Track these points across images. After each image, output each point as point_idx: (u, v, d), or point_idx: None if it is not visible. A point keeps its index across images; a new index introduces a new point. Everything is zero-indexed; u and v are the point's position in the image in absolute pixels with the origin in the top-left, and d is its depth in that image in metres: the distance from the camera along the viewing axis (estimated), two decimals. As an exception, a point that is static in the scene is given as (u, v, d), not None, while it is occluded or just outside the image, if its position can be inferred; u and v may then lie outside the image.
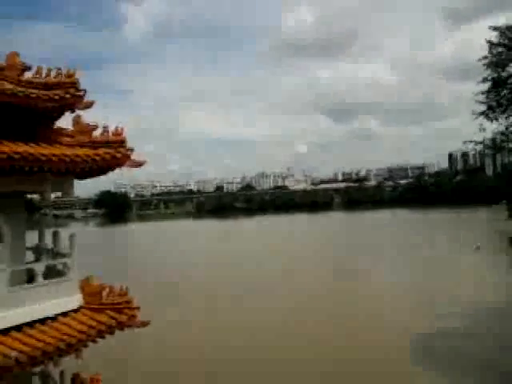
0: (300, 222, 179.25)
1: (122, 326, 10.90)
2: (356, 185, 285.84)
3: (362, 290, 53.79)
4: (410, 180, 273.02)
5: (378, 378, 28.36)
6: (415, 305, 44.92)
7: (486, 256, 70.38)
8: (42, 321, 10.08)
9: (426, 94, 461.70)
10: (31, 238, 12.32)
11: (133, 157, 11.48)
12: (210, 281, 62.69)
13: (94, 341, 10.35)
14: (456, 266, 65.70)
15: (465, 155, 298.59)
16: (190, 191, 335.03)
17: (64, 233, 12.49)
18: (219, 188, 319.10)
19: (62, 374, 12.72)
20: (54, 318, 10.29)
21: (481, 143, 41.29)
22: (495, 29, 33.88)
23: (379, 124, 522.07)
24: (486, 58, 34.18)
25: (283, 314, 44.18)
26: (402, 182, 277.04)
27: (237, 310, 45.97)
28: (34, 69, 10.49)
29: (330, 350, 32.97)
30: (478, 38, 43.09)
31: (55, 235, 12.48)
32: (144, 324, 11.29)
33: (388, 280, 59.37)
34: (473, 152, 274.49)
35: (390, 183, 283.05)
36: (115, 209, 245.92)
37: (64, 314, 10.52)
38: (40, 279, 10.62)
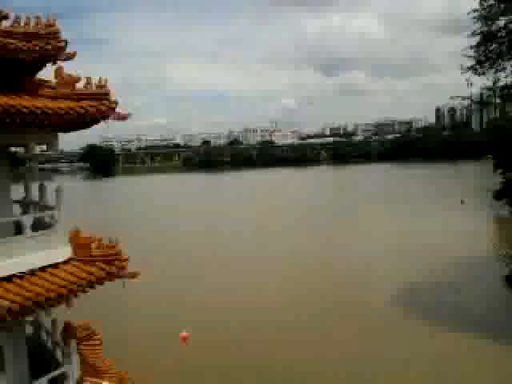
0: (287, 175, 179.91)
1: (111, 276, 11.09)
2: (343, 139, 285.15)
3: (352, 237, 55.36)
4: (398, 135, 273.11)
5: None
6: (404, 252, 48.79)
7: (473, 210, 71.97)
8: (32, 272, 10.23)
9: (414, 48, 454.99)
10: (17, 191, 12.31)
11: (117, 110, 11.35)
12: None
13: (84, 291, 10.52)
14: (443, 218, 67.49)
15: (452, 110, 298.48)
16: (177, 145, 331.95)
17: (50, 186, 12.48)
18: (206, 142, 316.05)
19: (53, 322, 13.04)
20: (43, 269, 10.44)
21: (468, 98, 41.37)
22: (486, -19, 33.15)
23: (367, 79, 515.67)
24: (476, 11, 33.65)
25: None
26: (389, 136, 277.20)
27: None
28: (12, 17, 10.12)
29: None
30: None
31: (41, 188, 12.48)
32: (133, 275, 11.49)
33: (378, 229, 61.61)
34: (460, 107, 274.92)
35: (378, 138, 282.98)
36: (101, 163, 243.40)
37: (54, 266, 10.67)
38: (28, 231, 10.67)
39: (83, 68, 11.81)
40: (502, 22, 33.37)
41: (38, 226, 11.35)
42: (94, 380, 12.08)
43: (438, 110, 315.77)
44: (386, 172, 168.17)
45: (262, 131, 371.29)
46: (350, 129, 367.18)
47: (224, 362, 25.99)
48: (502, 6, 32.76)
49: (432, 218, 67.83)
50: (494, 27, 33.58)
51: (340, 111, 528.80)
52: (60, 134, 11.67)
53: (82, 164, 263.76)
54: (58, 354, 12.66)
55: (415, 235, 56.60)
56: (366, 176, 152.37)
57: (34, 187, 13.00)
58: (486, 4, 33.35)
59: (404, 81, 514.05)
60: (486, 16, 33.28)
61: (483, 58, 34.13)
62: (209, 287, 39.63)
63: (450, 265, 42.66)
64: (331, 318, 32.36)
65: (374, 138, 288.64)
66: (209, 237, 61.16)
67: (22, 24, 10.10)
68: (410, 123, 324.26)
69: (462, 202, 79.68)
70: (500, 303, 33.44)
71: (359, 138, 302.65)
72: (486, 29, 33.64)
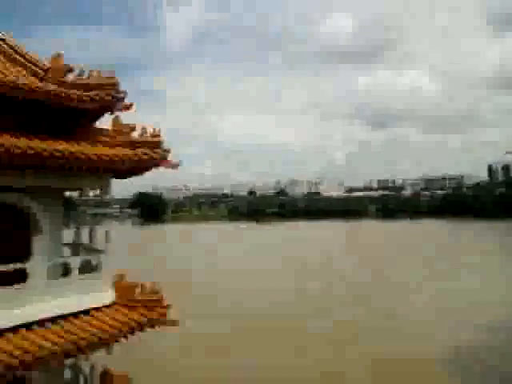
0: (335, 228, 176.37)
1: (152, 323, 11.11)
2: (391, 193, 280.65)
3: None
4: (448, 191, 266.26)
5: None
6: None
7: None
8: (76, 314, 10.39)
9: (465, 104, 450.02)
10: (68, 235, 12.70)
11: (169, 158, 11.76)
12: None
13: (124, 336, 10.59)
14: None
15: (506, 167, 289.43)
16: (224, 195, 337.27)
17: (100, 230, 12.85)
18: (252, 192, 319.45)
19: (92, 368, 13.06)
20: (87, 312, 10.59)
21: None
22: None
23: (417, 133, 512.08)
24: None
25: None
26: (440, 192, 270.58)
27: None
28: (77, 70, 10.86)
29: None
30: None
31: (91, 232, 12.88)
32: (174, 323, 11.46)
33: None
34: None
35: (427, 193, 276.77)
36: (150, 209, 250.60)
37: (97, 309, 10.82)
38: (75, 273, 10.98)
39: (138, 118, 12.40)
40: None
41: (86, 268, 11.61)
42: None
43: (490, 166, 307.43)
44: (439, 227, 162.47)
45: (308, 183, 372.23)
46: (398, 183, 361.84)
47: None
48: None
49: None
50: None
51: (388, 165, 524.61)
52: (113, 180, 12.15)
53: (130, 211, 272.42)
54: None
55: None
56: (420, 233, 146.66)
57: (84, 231, 13.45)
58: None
59: (455, 136, 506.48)
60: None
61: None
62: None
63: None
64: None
65: (423, 192, 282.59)
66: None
67: (85, 76, 10.82)
68: (460, 179, 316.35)
69: None
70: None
71: (408, 192, 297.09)
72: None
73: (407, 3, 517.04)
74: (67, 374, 13.71)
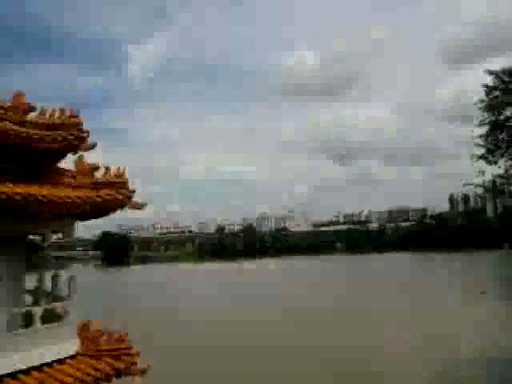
0: (301, 266, 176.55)
1: (119, 373, 10.52)
2: (357, 227, 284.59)
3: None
4: (412, 222, 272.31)
5: None
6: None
7: (492, 301, 69.13)
8: (40, 367, 9.72)
9: (425, 136, 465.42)
10: (29, 280, 12.06)
11: (134, 198, 11.42)
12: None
13: (90, 388, 9.90)
14: (462, 312, 64.52)
15: (466, 197, 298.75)
16: (190, 232, 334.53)
17: (64, 275, 12.25)
18: (220, 229, 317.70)
19: None
20: (50, 365, 9.93)
21: (481, 186, 41.23)
22: (491, 73, 34.31)
23: (380, 166, 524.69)
24: (482, 101, 34.48)
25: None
26: (404, 224, 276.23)
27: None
28: (39, 108, 10.55)
29: None
30: (476, 81, 43.84)
31: (54, 277, 12.25)
32: (143, 371, 10.86)
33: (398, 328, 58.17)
34: (473, 195, 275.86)
35: (392, 225, 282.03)
36: (115, 250, 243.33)
37: (61, 361, 10.17)
38: (38, 323, 10.28)
39: (102, 157, 12.10)
40: (508, 112, 34.06)
41: (49, 316, 10.95)
42: None
43: (451, 196, 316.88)
44: (400, 261, 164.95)
45: (275, 219, 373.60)
46: (363, 216, 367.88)
47: None
48: (508, 96, 33.61)
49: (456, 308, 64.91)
50: (501, 117, 34.20)
51: (353, 198, 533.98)
52: (76, 222, 11.70)
53: (94, 252, 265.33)
54: None
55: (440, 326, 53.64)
56: (382, 267, 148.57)
57: (47, 275, 12.81)
58: (491, 95, 34.26)
59: (416, 169, 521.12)
60: (493, 106, 33.98)
61: (493, 147, 34.39)
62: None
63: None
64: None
65: (388, 225, 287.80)
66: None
67: (47, 115, 10.51)
68: (424, 210, 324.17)
69: (482, 292, 76.97)
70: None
71: (374, 225, 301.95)
72: (493, 118, 34.26)
73: (368, 43, 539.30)
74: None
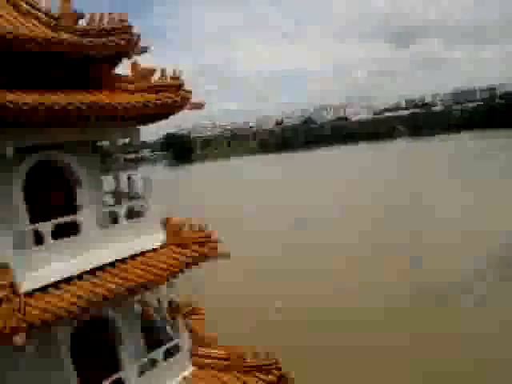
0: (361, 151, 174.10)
1: (205, 257, 11.48)
2: (421, 111, 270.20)
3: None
4: (479, 103, 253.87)
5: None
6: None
7: None
8: (132, 257, 10.88)
9: (490, 12, 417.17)
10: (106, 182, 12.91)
11: (192, 98, 11.39)
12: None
13: (181, 271, 11.03)
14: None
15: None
16: (251, 127, 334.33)
17: (139, 176, 12.96)
18: (279, 123, 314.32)
19: (159, 300, 14.37)
20: (142, 255, 11.04)
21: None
22: None
23: (443, 47, 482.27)
24: None
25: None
26: (471, 105, 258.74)
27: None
28: (87, 16, 10.37)
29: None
30: None
31: (130, 179, 13.06)
32: (225, 255, 11.79)
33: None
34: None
35: (458, 107, 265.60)
36: (180, 149, 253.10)
37: (151, 251, 11.25)
38: (123, 220, 11.32)
39: (155, 59, 11.92)
40: None
41: (131, 214, 11.88)
42: (204, 350, 12.73)
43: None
44: (470, 141, 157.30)
45: (335, 108, 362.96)
46: (427, 100, 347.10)
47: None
48: None
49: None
50: None
51: (417, 82, 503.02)
52: (139, 126, 11.96)
53: (161, 153, 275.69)
54: (168, 328, 13.61)
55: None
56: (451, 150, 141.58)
57: (122, 177, 13.65)
58: None
59: (482, 47, 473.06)
60: None
61: None
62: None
63: None
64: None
65: (454, 106, 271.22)
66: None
67: (96, 21, 10.33)
68: (493, 90, 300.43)
69: None
70: None
71: (438, 107, 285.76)
72: None
73: None
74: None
